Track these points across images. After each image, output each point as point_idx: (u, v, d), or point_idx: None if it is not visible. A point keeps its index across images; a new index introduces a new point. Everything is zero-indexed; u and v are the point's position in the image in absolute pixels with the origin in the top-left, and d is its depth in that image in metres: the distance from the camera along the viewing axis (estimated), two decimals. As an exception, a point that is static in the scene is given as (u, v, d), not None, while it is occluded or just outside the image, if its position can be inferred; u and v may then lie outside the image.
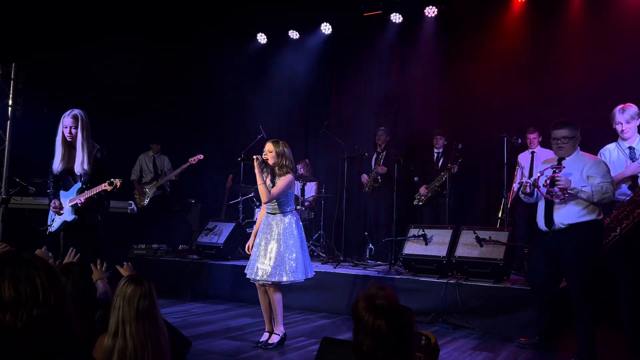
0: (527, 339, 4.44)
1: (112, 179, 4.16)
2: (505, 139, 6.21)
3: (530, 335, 4.46)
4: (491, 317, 4.95)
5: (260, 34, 8.96)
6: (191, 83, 9.05)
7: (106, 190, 4.19)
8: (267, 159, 4.34)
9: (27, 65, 6.53)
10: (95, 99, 7.32)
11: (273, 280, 4.20)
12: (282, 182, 4.28)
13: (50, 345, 1.62)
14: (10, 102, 6.35)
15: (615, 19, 6.53)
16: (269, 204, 4.35)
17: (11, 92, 6.37)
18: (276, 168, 4.35)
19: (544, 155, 5.96)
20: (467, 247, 5.39)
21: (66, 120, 4.27)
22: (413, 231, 5.83)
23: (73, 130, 4.26)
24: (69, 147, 4.33)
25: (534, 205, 4.26)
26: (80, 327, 1.80)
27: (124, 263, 3.02)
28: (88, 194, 4.28)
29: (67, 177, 4.41)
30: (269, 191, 4.24)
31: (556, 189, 3.90)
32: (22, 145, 6.38)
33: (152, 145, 8.26)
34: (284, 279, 4.20)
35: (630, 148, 4.20)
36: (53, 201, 4.39)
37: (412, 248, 5.73)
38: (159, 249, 7.11)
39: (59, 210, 4.37)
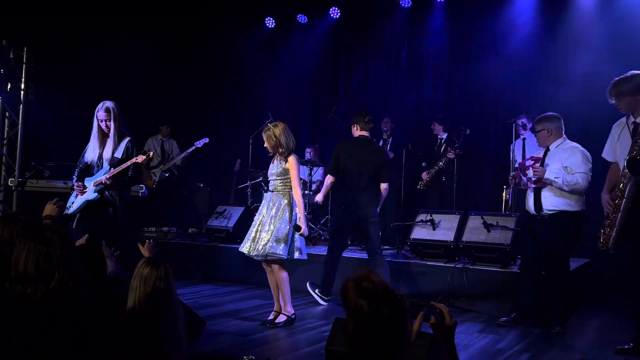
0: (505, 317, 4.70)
1: (145, 150, 4.48)
2: (514, 124, 6.23)
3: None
4: (497, 301, 5.03)
5: (268, 18, 8.95)
6: (200, 68, 9.08)
7: (137, 164, 4.43)
8: (267, 147, 4.48)
9: (39, 49, 6.59)
10: (106, 82, 7.36)
11: (276, 255, 4.32)
12: (292, 169, 4.38)
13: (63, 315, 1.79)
14: (22, 85, 6.42)
15: (628, 6, 6.50)
16: (272, 182, 4.50)
17: (23, 75, 6.44)
18: (276, 152, 4.46)
19: (534, 140, 6.09)
20: (475, 232, 5.45)
21: (100, 114, 4.46)
22: (421, 216, 5.89)
23: (108, 123, 4.46)
24: (104, 137, 4.53)
25: None
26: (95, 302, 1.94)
27: (146, 240, 3.09)
28: (118, 169, 4.41)
29: (96, 165, 4.55)
30: (299, 192, 4.39)
31: (533, 178, 4.43)
32: (35, 128, 6.46)
33: (162, 128, 8.33)
34: (270, 252, 4.31)
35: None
36: (77, 183, 4.51)
37: (419, 233, 5.79)
38: (169, 232, 7.21)
39: (82, 189, 4.49)
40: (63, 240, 1.87)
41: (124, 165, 4.40)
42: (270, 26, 9.01)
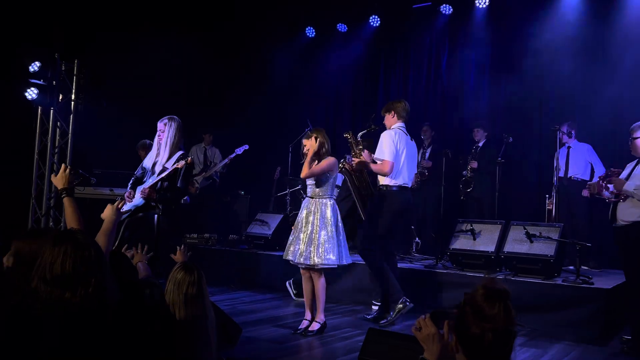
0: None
1: (183, 154, 4.53)
2: (558, 132, 6.06)
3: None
4: (540, 314, 4.86)
5: (309, 27, 9.03)
6: (240, 77, 9.25)
7: (178, 169, 4.45)
8: (306, 153, 4.51)
9: (88, 61, 6.87)
10: (150, 93, 7.61)
11: (307, 263, 4.34)
12: (324, 162, 4.43)
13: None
14: (72, 96, 6.71)
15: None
16: (309, 188, 4.52)
17: (74, 87, 6.72)
18: (317, 155, 4.49)
19: (580, 149, 5.95)
20: (517, 242, 5.31)
21: (159, 125, 4.70)
22: (461, 226, 5.78)
23: (162, 134, 4.66)
24: (159, 148, 4.70)
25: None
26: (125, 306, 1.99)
27: (178, 247, 3.17)
28: (157, 179, 4.50)
29: (149, 173, 4.70)
30: (310, 167, 4.40)
31: (611, 188, 4.27)
32: (84, 137, 6.72)
33: (205, 136, 8.53)
34: (317, 261, 4.32)
35: None
36: (129, 191, 4.70)
37: (459, 243, 5.68)
38: (210, 239, 7.35)
39: (131, 197, 4.65)
40: (95, 244, 1.89)
41: (163, 175, 4.48)
42: (310, 35, 9.08)
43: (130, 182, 4.79)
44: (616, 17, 6.63)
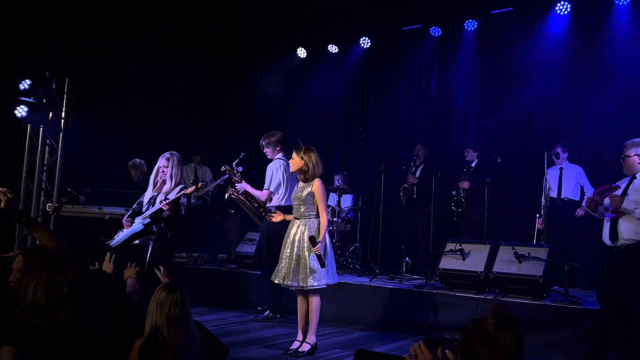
0: None
1: (193, 180, 4.55)
2: (545, 153, 6.12)
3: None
4: (529, 335, 4.82)
5: (300, 48, 9.10)
6: (232, 96, 9.29)
7: (186, 195, 4.62)
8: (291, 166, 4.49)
9: (79, 79, 6.88)
10: (140, 112, 7.62)
11: (295, 285, 4.30)
12: (318, 192, 4.36)
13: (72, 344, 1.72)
14: (63, 114, 6.71)
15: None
16: (296, 207, 4.47)
17: (64, 105, 6.72)
18: (300, 173, 4.45)
19: (571, 171, 6.01)
20: (506, 262, 5.32)
21: (160, 161, 4.85)
22: (450, 246, 5.79)
23: (165, 170, 4.82)
24: (161, 182, 4.84)
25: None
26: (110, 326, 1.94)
27: (157, 270, 3.15)
28: (172, 199, 4.58)
29: (148, 205, 4.82)
30: (325, 216, 4.35)
31: (610, 207, 4.14)
32: (73, 155, 6.70)
33: (194, 157, 8.53)
34: (304, 283, 4.28)
35: None
36: (127, 219, 4.83)
37: (449, 263, 5.69)
38: (199, 258, 7.30)
39: (129, 225, 4.77)
40: (77, 268, 1.81)
41: (176, 196, 4.59)
42: (301, 56, 9.16)
43: (129, 212, 4.92)
44: (603, 37, 6.77)
